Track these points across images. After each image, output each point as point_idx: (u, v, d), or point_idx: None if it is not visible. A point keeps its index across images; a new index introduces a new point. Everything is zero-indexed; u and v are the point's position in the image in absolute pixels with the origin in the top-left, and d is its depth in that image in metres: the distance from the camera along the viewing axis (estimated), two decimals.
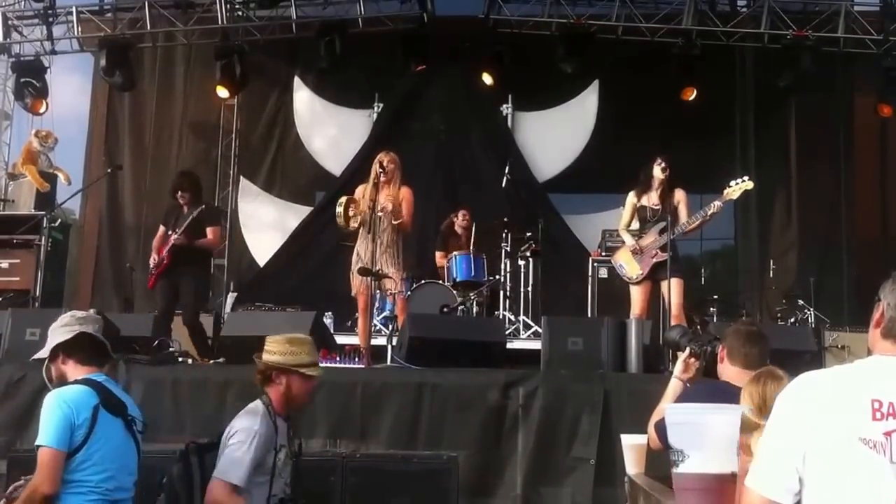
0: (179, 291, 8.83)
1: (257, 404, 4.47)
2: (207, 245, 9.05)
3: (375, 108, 13.76)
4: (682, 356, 4.57)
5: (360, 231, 8.17)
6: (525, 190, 12.80)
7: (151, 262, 8.92)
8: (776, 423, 2.34)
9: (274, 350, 4.54)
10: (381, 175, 8.09)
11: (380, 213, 7.93)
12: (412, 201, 8.28)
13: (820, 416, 2.23)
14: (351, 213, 8.08)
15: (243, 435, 4.30)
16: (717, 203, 7.97)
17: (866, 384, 2.25)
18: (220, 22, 12.54)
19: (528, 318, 10.86)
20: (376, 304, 9.13)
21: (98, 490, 4.04)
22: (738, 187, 7.93)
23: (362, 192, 8.24)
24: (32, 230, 9.90)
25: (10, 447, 6.26)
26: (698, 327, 9.82)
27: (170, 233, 8.83)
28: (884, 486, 2.16)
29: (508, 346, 8.21)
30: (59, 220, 10.45)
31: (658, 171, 8.23)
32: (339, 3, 12.90)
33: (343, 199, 8.13)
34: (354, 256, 8.26)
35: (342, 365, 7.33)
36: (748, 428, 3.29)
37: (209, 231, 8.92)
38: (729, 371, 4.10)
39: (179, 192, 8.95)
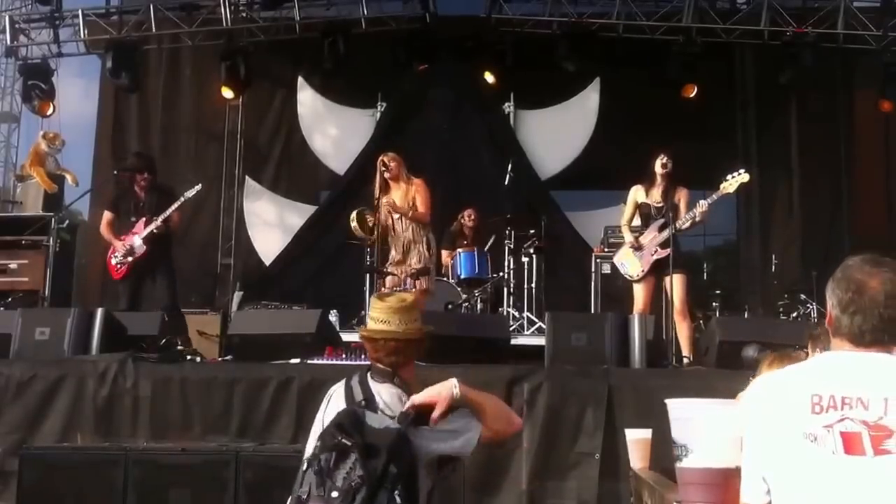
0: (156, 282, 8.85)
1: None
2: (174, 230, 9.12)
3: (379, 108, 13.79)
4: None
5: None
6: (528, 188, 12.83)
7: (121, 248, 8.76)
8: (745, 429, 2.42)
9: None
10: (386, 173, 8.22)
11: (396, 216, 8.16)
12: (426, 191, 8.41)
13: (771, 415, 2.31)
14: (371, 222, 8.25)
15: None
16: (714, 197, 7.99)
17: (811, 380, 2.31)
18: (224, 24, 12.60)
19: (531, 314, 10.92)
20: None
21: None
22: (735, 181, 7.91)
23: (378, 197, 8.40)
24: (41, 231, 9.99)
25: (22, 445, 6.36)
26: (701, 322, 9.89)
27: (133, 219, 8.79)
28: (828, 479, 2.20)
29: (513, 342, 8.25)
30: (67, 221, 10.51)
31: (659, 168, 8.25)
32: (342, 3, 12.96)
33: (354, 214, 8.31)
34: (367, 257, 8.53)
35: (348, 362, 7.39)
36: None
37: (174, 215, 8.94)
38: None
39: (145, 174, 8.93)
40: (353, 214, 8.38)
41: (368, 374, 3.66)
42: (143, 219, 8.75)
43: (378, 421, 3.39)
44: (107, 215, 9.05)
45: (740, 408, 2.47)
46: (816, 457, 2.21)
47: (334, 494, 3.20)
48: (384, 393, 3.56)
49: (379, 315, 3.67)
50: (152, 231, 8.69)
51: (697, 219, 8.06)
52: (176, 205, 8.77)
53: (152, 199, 8.84)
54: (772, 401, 2.34)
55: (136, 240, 8.72)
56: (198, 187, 9.06)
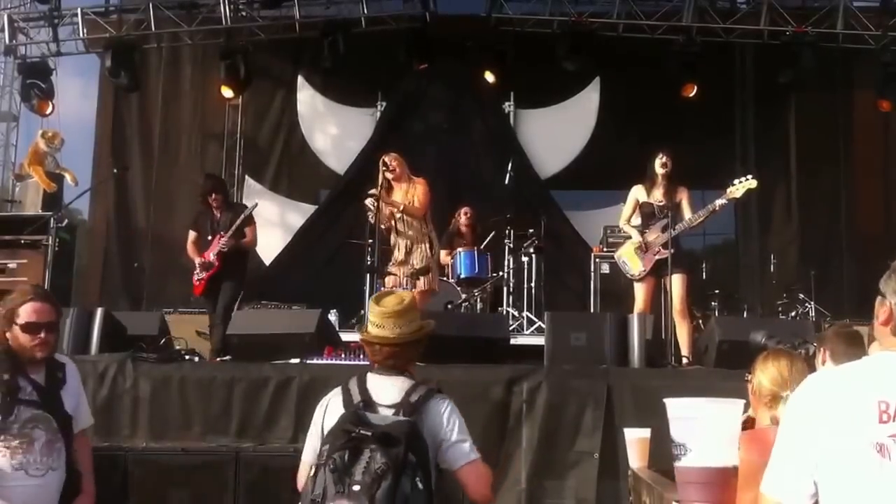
0: (220, 290, 9.06)
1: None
2: (249, 245, 9.41)
3: (378, 107, 13.80)
4: None
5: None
6: (527, 187, 12.84)
7: (198, 264, 9.10)
8: (788, 427, 2.30)
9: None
10: (388, 173, 8.24)
11: (399, 215, 8.17)
12: (426, 190, 8.44)
13: (829, 419, 2.19)
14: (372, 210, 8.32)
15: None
16: (720, 201, 7.96)
17: (874, 384, 2.20)
18: (223, 22, 12.61)
19: (531, 313, 10.90)
20: None
21: None
22: (742, 186, 7.89)
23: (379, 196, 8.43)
24: (40, 231, 9.95)
25: None
26: (700, 322, 9.88)
27: (210, 238, 9.07)
28: (891, 491, 2.11)
29: (512, 341, 8.23)
30: (67, 221, 10.48)
31: (659, 167, 8.22)
32: (342, 2, 12.96)
33: (369, 200, 8.35)
34: (367, 257, 8.54)
35: (347, 362, 7.38)
36: (772, 400, 3.43)
37: (248, 231, 9.19)
38: None
39: (213, 195, 9.19)
40: (368, 201, 8.41)
41: (369, 374, 3.68)
42: (218, 236, 9.04)
43: (381, 419, 3.42)
44: (191, 235, 9.39)
45: (787, 407, 2.37)
46: (882, 467, 2.13)
47: (356, 488, 3.21)
48: (397, 384, 3.60)
49: (375, 319, 3.70)
50: (220, 251, 8.98)
51: (701, 220, 8.07)
52: (238, 222, 9.02)
53: (226, 218, 9.13)
54: (833, 404, 2.22)
55: (211, 256, 9.03)
56: (254, 204, 9.42)
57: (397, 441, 3.29)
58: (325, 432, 3.54)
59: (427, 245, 8.39)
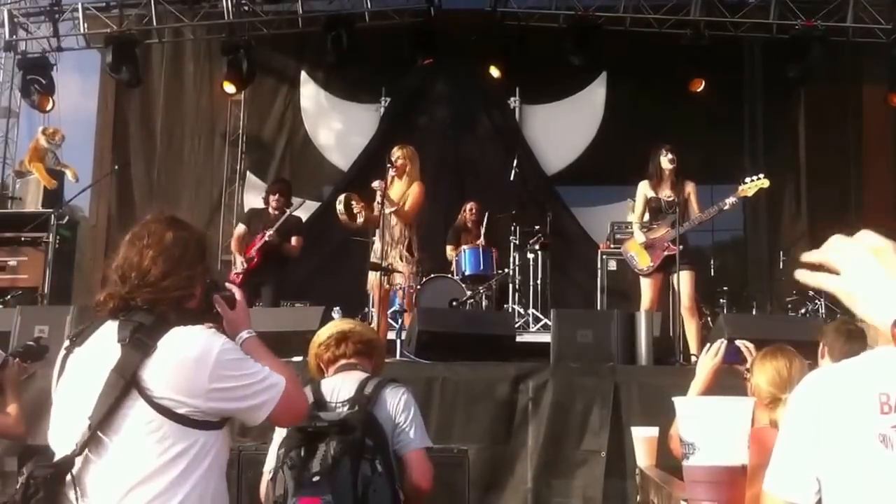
0: (261, 294, 9.15)
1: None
2: (292, 252, 9.43)
3: (383, 103, 13.75)
4: None
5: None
6: (533, 183, 12.79)
7: (239, 260, 9.22)
8: (789, 424, 2.28)
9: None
10: (391, 169, 8.14)
11: (387, 210, 8.02)
12: (419, 195, 8.28)
13: (831, 414, 2.17)
14: (356, 210, 8.17)
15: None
16: (731, 200, 7.89)
17: (873, 377, 2.18)
18: (226, 17, 12.55)
19: (537, 311, 10.84)
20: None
21: None
22: (754, 185, 7.82)
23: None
24: (40, 228, 9.92)
25: (22, 444, 6.27)
26: (709, 319, 9.80)
27: (258, 236, 9.17)
28: (893, 482, 2.08)
29: (518, 339, 8.19)
30: (67, 218, 10.44)
31: (665, 162, 8.14)
32: None
33: (342, 197, 8.25)
34: (372, 253, 8.38)
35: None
36: (772, 402, 3.35)
37: (294, 239, 9.33)
38: None
39: (277, 196, 9.42)
40: (342, 197, 8.32)
41: (323, 379, 3.79)
42: (264, 232, 9.19)
43: (335, 415, 3.49)
44: (239, 228, 9.61)
45: (789, 405, 2.33)
46: (885, 459, 2.09)
47: (315, 479, 3.27)
48: (351, 380, 3.67)
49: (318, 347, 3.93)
50: (265, 241, 9.09)
51: (710, 217, 8.00)
52: (283, 218, 9.19)
53: (278, 220, 9.28)
54: (833, 399, 2.19)
55: (252, 251, 9.17)
56: (300, 201, 9.70)
57: (353, 428, 3.36)
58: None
59: (405, 247, 8.27)
